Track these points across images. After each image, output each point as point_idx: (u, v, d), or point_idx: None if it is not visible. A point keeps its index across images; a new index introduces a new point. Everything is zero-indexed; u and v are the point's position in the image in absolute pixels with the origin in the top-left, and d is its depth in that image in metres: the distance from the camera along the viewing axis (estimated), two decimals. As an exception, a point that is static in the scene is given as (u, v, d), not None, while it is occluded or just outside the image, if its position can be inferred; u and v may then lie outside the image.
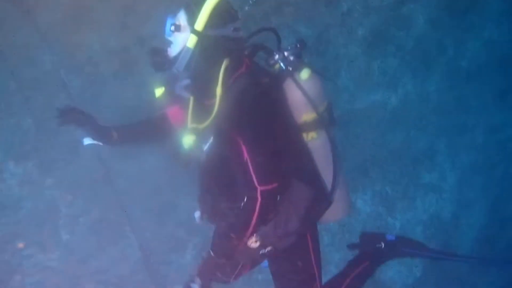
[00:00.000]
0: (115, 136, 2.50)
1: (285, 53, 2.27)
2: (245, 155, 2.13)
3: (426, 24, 5.28)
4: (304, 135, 2.33)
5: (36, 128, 4.46)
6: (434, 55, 5.35)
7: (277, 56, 2.29)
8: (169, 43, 2.26)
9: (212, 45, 2.15)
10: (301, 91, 2.24)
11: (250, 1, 2.65)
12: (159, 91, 2.28)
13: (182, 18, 2.19)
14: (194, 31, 2.12)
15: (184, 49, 2.14)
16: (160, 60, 2.23)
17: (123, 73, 4.64)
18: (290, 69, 2.26)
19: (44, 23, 4.59)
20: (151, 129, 2.60)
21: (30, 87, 4.45)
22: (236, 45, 2.20)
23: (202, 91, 2.18)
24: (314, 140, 2.34)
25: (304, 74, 2.29)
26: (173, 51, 2.25)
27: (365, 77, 5.14)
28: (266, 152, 2.13)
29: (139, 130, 2.62)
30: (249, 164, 2.11)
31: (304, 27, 4.87)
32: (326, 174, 2.37)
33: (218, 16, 2.14)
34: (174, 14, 2.22)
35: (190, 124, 2.26)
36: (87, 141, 2.58)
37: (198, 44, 2.12)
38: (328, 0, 5.02)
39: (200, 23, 2.11)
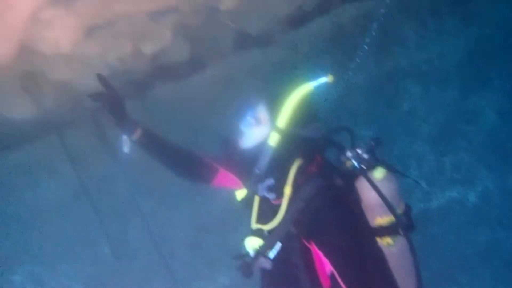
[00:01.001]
0: (138, 133, 2.32)
1: (358, 151, 2.17)
2: (330, 267, 1.98)
3: (495, 116, 5.09)
4: (379, 240, 2.14)
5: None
6: (509, 148, 5.07)
7: (349, 154, 2.19)
8: (240, 134, 2.19)
9: (293, 143, 2.06)
10: (376, 191, 2.11)
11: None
12: (240, 194, 2.22)
13: (262, 111, 2.12)
14: (276, 128, 2.05)
15: (265, 146, 2.05)
16: (231, 151, 2.16)
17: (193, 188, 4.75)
18: (364, 167, 2.15)
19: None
20: (185, 161, 2.42)
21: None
22: (313, 145, 2.14)
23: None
24: (390, 247, 2.14)
25: (379, 173, 2.14)
26: (245, 143, 2.15)
27: (437, 174, 4.91)
28: (353, 263, 1.96)
29: (171, 150, 2.42)
30: (340, 280, 1.95)
31: (365, 129, 4.87)
32: (406, 286, 2.13)
33: (302, 114, 2.05)
34: (254, 105, 2.14)
35: (254, 224, 2.14)
36: (126, 148, 2.35)
37: (280, 142, 2.05)
38: (388, 101, 5.03)
39: (283, 120, 2.03)
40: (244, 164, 2.14)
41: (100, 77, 2.29)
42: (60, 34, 2.38)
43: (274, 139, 2.02)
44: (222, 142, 2.21)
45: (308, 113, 2.09)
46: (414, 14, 4.92)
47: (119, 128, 2.31)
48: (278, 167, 2.06)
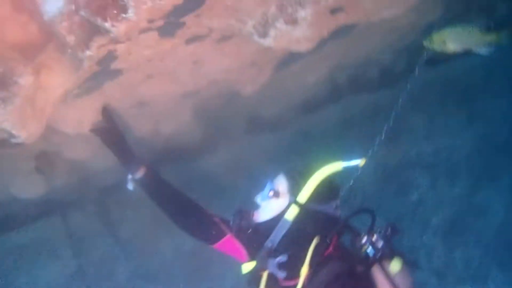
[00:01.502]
0: (141, 172, 2.22)
1: (374, 237, 2.08)
2: None
3: (504, 212, 5.04)
4: None
5: None
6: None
7: (365, 239, 2.11)
8: (256, 207, 2.12)
9: (311, 220, 1.99)
10: (392, 285, 2.01)
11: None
12: (246, 267, 2.08)
13: (282, 185, 2.06)
14: (296, 203, 1.97)
15: (282, 220, 1.96)
16: (245, 224, 2.05)
17: (195, 276, 4.65)
18: (379, 256, 2.06)
19: (125, 235, 4.91)
20: (192, 213, 2.28)
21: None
22: (332, 224, 2.06)
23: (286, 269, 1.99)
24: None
25: (395, 265, 2.06)
26: (261, 216, 2.07)
27: (447, 269, 4.76)
28: None
29: (178, 197, 2.29)
30: None
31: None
32: None
33: (323, 192, 1.99)
34: (272, 178, 2.10)
35: None
36: (130, 186, 2.27)
37: (298, 217, 1.97)
38: (397, 191, 5.01)
39: (304, 196, 1.96)
40: (256, 237, 2.05)
41: (104, 110, 2.27)
42: (85, 115, 2.40)
43: (292, 213, 1.95)
44: (236, 212, 2.10)
45: (331, 191, 2.05)
46: (423, 107, 5.05)
47: (121, 164, 2.25)
48: (294, 243, 1.97)
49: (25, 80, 1.72)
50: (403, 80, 4.84)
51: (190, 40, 1.94)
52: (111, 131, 2.28)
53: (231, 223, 2.10)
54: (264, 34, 1.67)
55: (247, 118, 4.20)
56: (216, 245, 2.21)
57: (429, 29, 2.95)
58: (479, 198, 5.25)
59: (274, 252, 1.96)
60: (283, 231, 1.96)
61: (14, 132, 1.90)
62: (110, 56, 1.90)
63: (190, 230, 2.28)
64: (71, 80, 1.98)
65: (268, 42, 1.70)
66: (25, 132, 1.93)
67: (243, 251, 2.12)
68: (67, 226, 5.15)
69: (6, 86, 1.70)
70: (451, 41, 2.53)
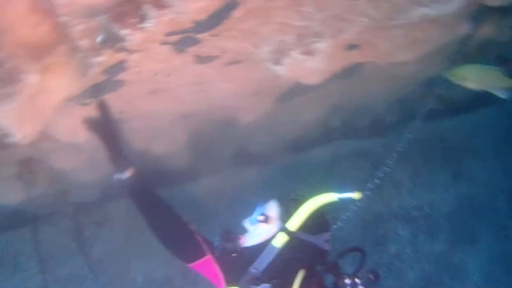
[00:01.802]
0: (129, 173, 2.16)
1: (356, 281, 2.04)
2: None
3: (479, 277, 5.07)
4: None
5: None
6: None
7: (349, 282, 2.06)
8: (243, 231, 2.08)
9: (299, 250, 1.93)
10: None
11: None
12: None
13: (273, 210, 2.03)
14: (286, 230, 1.92)
15: (269, 247, 1.91)
16: (231, 246, 2.00)
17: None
18: None
19: (96, 255, 4.75)
20: (173, 227, 2.18)
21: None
22: (320, 257, 2.01)
23: None
24: None
25: None
26: (248, 240, 2.02)
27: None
28: None
29: (162, 207, 2.20)
30: None
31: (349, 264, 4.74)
32: None
33: (314, 222, 1.94)
34: (263, 203, 2.06)
35: None
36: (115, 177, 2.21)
37: (286, 245, 1.91)
38: (376, 241, 5.00)
39: (294, 224, 1.91)
40: (240, 261, 1.98)
41: (101, 105, 2.19)
42: (79, 124, 2.36)
43: (280, 241, 1.90)
44: (222, 233, 2.05)
45: (323, 222, 2.01)
46: (409, 161, 5.11)
47: (111, 162, 2.18)
48: (279, 272, 1.90)
49: (31, 78, 1.68)
50: (393, 131, 4.96)
51: (200, 60, 1.94)
52: (106, 125, 2.22)
53: (215, 243, 2.04)
54: (278, 62, 1.68)
55: (237, 148, 4.20)
56: (193, 265, 2.10)
57: (429, 81, 3.03)
58: (456, 257, 5.25)
59: (257, 280, 1.89)
60: (270, 258, 1.90)
61: (11, 131, 1.85)
62: (118, 66, 1.89)
63: (168, 243, 2.17)
64: (74, 86, 1.95)
65: (280, 70, 1.71)
66: (21, 132, 1.87)
67: (220, 276, 2.01)
68: (36, 240, 4.99)
69: (11, 82, 1.66)
70: (472, 79, 2.55)
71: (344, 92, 2.95)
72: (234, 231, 2.06)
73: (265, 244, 1.93)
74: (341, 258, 2.08)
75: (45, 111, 1.97)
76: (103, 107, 2.20)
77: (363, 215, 5.11)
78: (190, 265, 2.11)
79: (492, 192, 5.41)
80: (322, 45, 1.57)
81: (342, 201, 1.98)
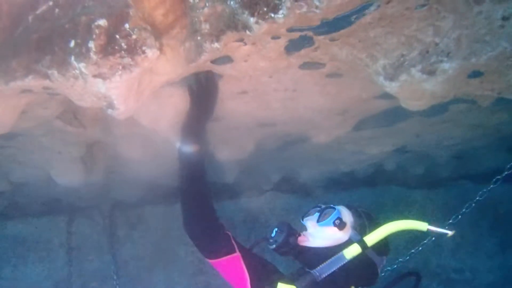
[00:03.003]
0: (193, 149, 2.18)
1: None
2: None
3: None
4: None
5: None
6: None
7: None
8: (302, 228, 2.02)
9: (363, 267, 1.88)
10: None
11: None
12: None
13: (349, 218, 1.96)
14: (361, 243, 1.85)
15: (339, 255, 1.85)
16: (290, 243, 1.91)
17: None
18: None
19: (123, 256, 4.84)
20: (207, 209, 2.13)
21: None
22: (373, 278, 1.94)
23: None
24: None
25: None
26: (311, 241, 1.95)
27: None
28: None
29: (203, 190, 2.17)
30: None
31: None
32: None
33: (385, 243, 1.91)
34: (331, 206, 1.98)
35: None
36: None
37: (355, 258, 1.84)
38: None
39: (372, 240, 1.85)
40: (298, 260, 1.95)
41: (213, 78, 2.12)
42: (165, 112, 2.39)
43: (352, 252, 1.83)
44: (281, 225, 1.95)
45: (387, 246, 1.95)
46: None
47: (187, 131, 2.20)
48: (335, 282, 1.85)
49: (152, 53, 1.71)
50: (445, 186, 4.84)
51: (305, 65, 1.95)
52: (209, 96, 2.22)
53: (272, 234, 1.95)
54: (392, 78, 1.65)
55: (287, 172, 4.18)
56: (219, 261, 2.02)
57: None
58: None
59: (316, 285, 1.82)
60: (336, 267, 1.83)
61: (115, 102, 1.87)
62: (227, 58, 1.91)
63: (197, 232, 2.10)
64: (178, 71, 1.98)
65: (392, 87, 1.68)
66: (124, 106, 1.90)
67: (246, 277, 1.94)
68: (69, 231, 5.02)
69: (133, 54, 1.69)
70: None
71: (423, 130, 2.90)
72: (292, 228, 1.98)
73: (334, 250, 1.87)
74: (396, 283, 2.03)
75: (145, 91, 2.00)
76: (214, 80, 2.18)
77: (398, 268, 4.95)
78: (215, 261, 2.03)
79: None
80: (447, 66, 1.54)
81: (425, 234, 1.93)
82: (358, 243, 1.84)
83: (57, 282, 4.81)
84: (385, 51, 1.62)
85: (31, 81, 1.82)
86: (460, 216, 3.02)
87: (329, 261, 1.85)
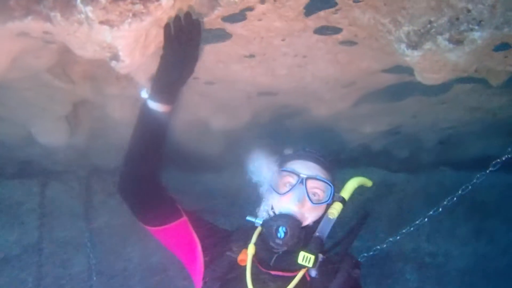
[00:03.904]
0: (161, 108, 1.83)
1: None
2: None
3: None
4: None
5: None
6: None
7: None
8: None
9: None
10: None
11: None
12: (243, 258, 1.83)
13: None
14: (343, 201, 1.85)
15: (328, 217, 1.83)
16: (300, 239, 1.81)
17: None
18: None
19: (98, 224, 4.71)
20: (155, 171, 1.90)
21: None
22: None
23: None
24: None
25: None
26: (307, 221, 1.87)
27: None
28: None
29: (156, 152, 1.89)
30: None
31: None
32: None
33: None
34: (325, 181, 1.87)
35: None
36: (144, 93, 1.86)
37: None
38: (380, 279, 4.88)
39: (347, 196, 1.88)
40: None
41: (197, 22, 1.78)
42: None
43: (338, 210, 1.83)
44: (291, 228, 1.79)
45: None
46: (434, 205, 5.06)
47: (155, 83, 1.83)
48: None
49: (167, 1, 1.59)
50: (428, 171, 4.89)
51: (321, 29, 1.87)
52: (188, 43, 1.83)
53: (280, 235, 1.78)
54: (415, 46, 1.59)
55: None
56: (166, 227, 1.89)
57: None
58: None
59: (322, 246, 1.81)
60: (329, 228, 1.83)
61: (121, 54, 1.75)
62: (240, 14, 1.80)
63: (137, 194, 1.89)
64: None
65: (413, 56, 1.62)
66: (130, 59, 1.78)
67: (195, 243, 1.88)
68: (43, 195, 4.83)
69: (145, 0, 1.57)
70: None
71: (421, 110, 2.88)
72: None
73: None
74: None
75: (151, 46, 1.88)
76: (198, 26, 1.83)
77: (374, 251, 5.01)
78: (158, 228, 1.90)
79: (510, 257, 5.32)
80: (477, 35, 1.48)
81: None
82: (340, 202, 1.84)
83: (26, 247, 4.64)
84: (411, 16, 1.55)
85: (30, 23, 1.68)
86: (455, 198, 3.07)
87: (321, 225, 1.83)
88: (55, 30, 1.73)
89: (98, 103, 2.92)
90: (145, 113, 1.85)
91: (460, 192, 3.07)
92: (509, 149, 2.60)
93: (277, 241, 1.75)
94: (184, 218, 1.90)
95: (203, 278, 1.82)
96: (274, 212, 1.82)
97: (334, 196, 1.84)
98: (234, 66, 2.25)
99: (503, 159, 2.67)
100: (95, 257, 4.74)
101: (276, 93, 2.55)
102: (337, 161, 4.59)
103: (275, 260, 1.80)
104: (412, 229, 3.04)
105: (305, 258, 1.72)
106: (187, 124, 3.11)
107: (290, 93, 2.52)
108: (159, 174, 1.91)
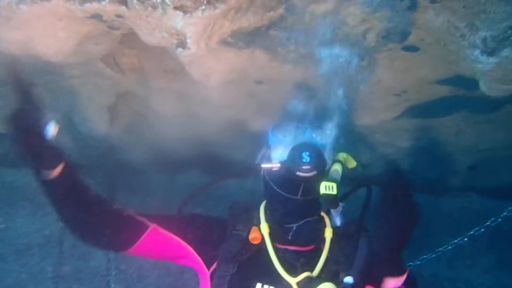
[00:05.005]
0: (58, 170, 1.62)
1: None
2: None
3: None
4: None
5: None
6: None
7: None
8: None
9: None
10: None
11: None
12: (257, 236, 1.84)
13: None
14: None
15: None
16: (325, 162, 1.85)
17: None
18: None
19: None
20: (101, 213, 1.76)
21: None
22: None
23: None
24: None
25: None
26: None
27: None
28: None
29: (90, 197, 1.74)
30: None
31: None
32: None
33: None
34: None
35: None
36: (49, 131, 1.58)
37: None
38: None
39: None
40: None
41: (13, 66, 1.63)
42: (218, 68, 2.30)
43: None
44: (310, 149, 1.81)
45: None
46: (456, 231, 5.00)
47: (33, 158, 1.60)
48: None
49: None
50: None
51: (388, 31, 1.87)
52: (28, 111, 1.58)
53: (306, 159, 1.77)
54: (492, 52, 1.56)
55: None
56: (138, 243, 1.79)
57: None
58: None
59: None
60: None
61: (189, 41, 1.76)
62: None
63: (97, 233, 1.77)
64: (250, 20, 1.89)
65: (488, 63, 1.58)
66: (196, 47, 1.79)
67: (175, 239, 1.83)
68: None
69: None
70: None
71: (465, 128, 2.85)
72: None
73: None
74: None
75: (214, 37, 1.90)
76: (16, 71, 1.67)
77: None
78: (133, 248, 1.80)
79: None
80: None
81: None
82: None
83: (47, 237, 4.64)
84: (490, 21, 1.54)
85: (107, 5, 1.70)
86: (482, 229, 3.02)
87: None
88: (128, 13, 1.75)
89: (141, 95, 2.94)
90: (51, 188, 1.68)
91: (489, 223, 3.02)
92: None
93: (305, 167, 1.74)
94: (152, 225, 1.82)
95: (216, 264, 1.79)
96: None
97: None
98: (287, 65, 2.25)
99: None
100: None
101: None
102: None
103: (293, 234, 1.81)
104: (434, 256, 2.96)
105: (328, 187, 1.73)
106: (226, 123, 3.11)
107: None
108: (102, 206, 1.78)
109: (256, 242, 1.79)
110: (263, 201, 1.96)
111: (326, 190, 1.73)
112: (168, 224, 1.86)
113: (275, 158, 1.86)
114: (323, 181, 1.75)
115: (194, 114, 2.93)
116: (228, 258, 1.77)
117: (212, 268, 1.82)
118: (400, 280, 1.70)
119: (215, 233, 1.87)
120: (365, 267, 1.73)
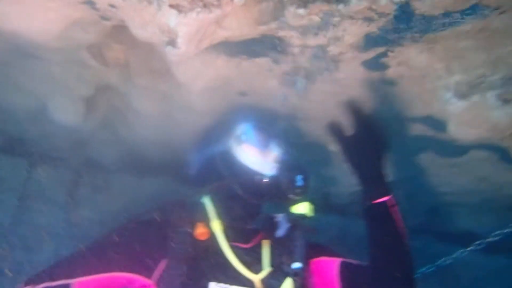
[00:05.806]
0: None
1: None
2: None
3: None
4: None
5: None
6: None
7: None
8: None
9: None
10: None
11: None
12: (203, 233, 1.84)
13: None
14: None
15: None
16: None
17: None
18: None
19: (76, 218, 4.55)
20: None
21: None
22: None
23: None
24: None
25: None
26: None
27: None
28: None
29: None
30: None
31: None
32: None
33: None
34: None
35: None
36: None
37: None
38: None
39: None
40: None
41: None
42: (209, 72, 2.32)
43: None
44: (303, 172, 1.89)
45: None
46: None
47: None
48: None
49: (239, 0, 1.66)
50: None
51: (368, 62, 1.96)
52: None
53: (299, 183, 1.86)
54: (463, 96, 1.62)
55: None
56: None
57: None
58: None
59: None
60: None
61: (179, 40, 1.79)
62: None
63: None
64: (243, 31, 1.94)
65: (457, 106, 1.66)
66: (186, 48, 1.82)
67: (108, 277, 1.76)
68: (29, 177, 4.70)
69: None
70: None
71: (426, 169, 2.92)
72: None
73: None
74: None
75: (206, 41, 1.93)
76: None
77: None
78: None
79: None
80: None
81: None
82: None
83: (-1, 225, 4.47)
84: (466, 66, 1.63)
85: (101, -7, 1.72)
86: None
87: None
88: (122, 4, 1.77)
89: (122, 91, 2.93)
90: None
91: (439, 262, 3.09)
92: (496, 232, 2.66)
93: (297, 190, 1.83)
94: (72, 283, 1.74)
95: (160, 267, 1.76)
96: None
97: None
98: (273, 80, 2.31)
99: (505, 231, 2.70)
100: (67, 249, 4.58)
101: (302, 118, 2.60)
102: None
103: (243, 232, 1.88)
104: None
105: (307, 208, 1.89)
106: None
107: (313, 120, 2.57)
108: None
109: (203, 238, 1.78)
110: (201, 197, 1.94)
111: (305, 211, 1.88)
112: (90, 267, 1.77)
113: (247, 160, 1.91)
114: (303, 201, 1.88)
115: (173, 118, 2.93)
116: (176, 257, 1.73)
117: (157, 274, 1.75)
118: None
119: (151, 237, 1.82)
120: (303, 251, 1.87)
